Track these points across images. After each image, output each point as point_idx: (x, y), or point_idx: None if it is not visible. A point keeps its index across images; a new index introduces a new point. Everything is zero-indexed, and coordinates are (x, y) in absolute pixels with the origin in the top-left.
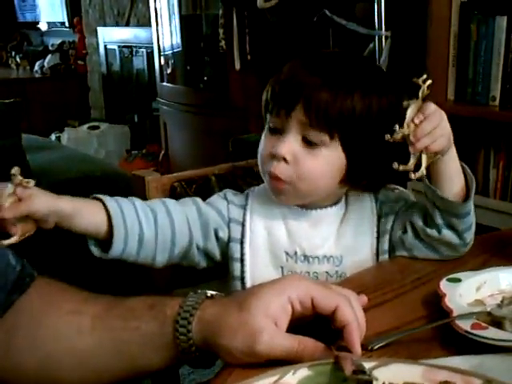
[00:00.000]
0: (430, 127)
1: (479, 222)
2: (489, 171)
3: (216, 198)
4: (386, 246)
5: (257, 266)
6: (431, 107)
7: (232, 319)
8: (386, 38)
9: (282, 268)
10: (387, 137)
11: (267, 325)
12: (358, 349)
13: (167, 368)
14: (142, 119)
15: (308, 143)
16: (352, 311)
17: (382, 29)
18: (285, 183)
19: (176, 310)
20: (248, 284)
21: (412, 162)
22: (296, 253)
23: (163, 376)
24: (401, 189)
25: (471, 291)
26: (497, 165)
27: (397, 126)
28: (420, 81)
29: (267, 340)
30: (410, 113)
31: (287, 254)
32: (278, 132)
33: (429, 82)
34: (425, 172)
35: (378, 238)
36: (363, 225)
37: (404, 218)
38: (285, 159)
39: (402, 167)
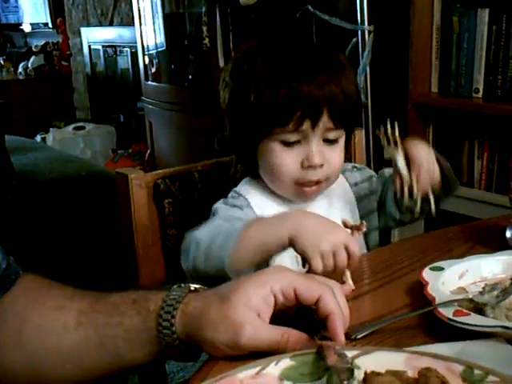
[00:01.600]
0: (428, 175)
1: (464, 212)
2: (473, 162)
3: (227, 209)
4: (374, 223)
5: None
6: (420, 154)
7: (215, 312)
8: (369, 32)
9: (296, 257)
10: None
11: (250, 317)
12: (341, 338)
13: (153, 363)
14: (128, 119)
15: (328, 142)
16: (335, 301)
17: (364, 23)
18: (320, 185)
19: (159, 305)
20: None
21: (419, 204)
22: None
23: (150, 373)
24: (358, 166)
25: (454, 279)
26: (481, 156)
27: (385, 143)
28: (389, 134)
29: (250, 332)
30: (400, 163)
31: None
32: (294, 143)
33: (396, 131)
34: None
35: (362, 217)
36: (346, 209)
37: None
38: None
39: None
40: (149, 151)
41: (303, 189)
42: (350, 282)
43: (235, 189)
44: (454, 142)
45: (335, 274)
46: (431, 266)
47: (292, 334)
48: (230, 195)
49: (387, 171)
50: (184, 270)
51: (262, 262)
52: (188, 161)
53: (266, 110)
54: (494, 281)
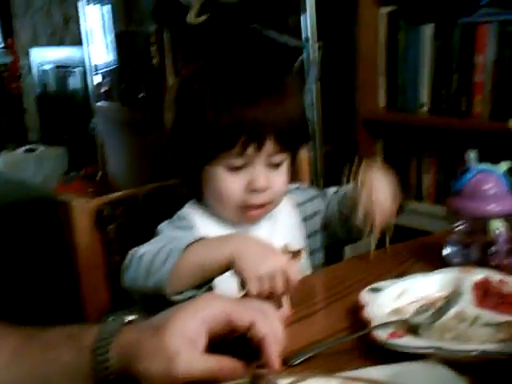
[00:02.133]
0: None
1: (413, 226)
2: (421, 176)
3: (172, 230)
4: (319, 243)
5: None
6: (380, 204)
7: (149, 344)
8: (317, 49)
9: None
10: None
11: (184, 347)
12: (275, 365)
13: None
14: (80, 140)
15: (272, 165)
16: (268, 326)
17: (312, 40)
18: (265, 208)
19: (93, 339)
20: None
21: (373, 245)
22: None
23: None
24: (302, 186)
25: (392, 300)
26: (429, 170)
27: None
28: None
29: (184, 362)
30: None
31: None
32: (238, 167)
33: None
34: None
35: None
36: (290, 230)
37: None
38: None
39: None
40: (101, 172)
41: (248, 212)
42: (287, 306)
43: (180, 211)
44: (403, 156)
45: (272, 298)
46: (370, 287)
47: (227, 363)
48: (174, 217)
49: (331, 191)
50: (124, 288)
51: (202, 283)
52: (141, 182)
53: (210, 134)
54: (431, 300)
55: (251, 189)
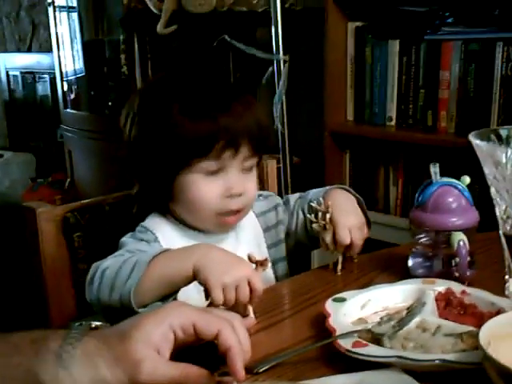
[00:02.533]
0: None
1: (381, 238)
2: (389, 189)
3: (135, 242)
4: (282, 253)
5: (184, 293)
6: (344, 233)
7: (114, 350)
8: (285, 61)
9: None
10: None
11: (149, 354)
12: (240, 373)
13: None
14: (47, 147)
15: (245, 170)
16: (234, 335)
17: (280, 53)
18: (240, 214)
19: (58, 344)
20: None
21: (340, 262)
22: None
23: None
24: (265, 193)
25: (356, 310)
26: (396, 183)
27: (313, 217)
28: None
29: (149, 369)
30: (328, 240)
31: None
32: (214, 172)
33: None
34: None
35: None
36: (253, 240)
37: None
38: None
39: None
40: (68, 180)
41: (224, 219)
42: (252, 315)
43: (143, 223)
44: (370, 169)
45: (237, 307)
46: (334, 297)
47: (191, 371)
48: (137, 229)
49: (292, 199)
50: (88, 301)
51: (168, 294)
52: (108, 190)
53: (185, 142)
54: (394, 310)
55: (228, 194)
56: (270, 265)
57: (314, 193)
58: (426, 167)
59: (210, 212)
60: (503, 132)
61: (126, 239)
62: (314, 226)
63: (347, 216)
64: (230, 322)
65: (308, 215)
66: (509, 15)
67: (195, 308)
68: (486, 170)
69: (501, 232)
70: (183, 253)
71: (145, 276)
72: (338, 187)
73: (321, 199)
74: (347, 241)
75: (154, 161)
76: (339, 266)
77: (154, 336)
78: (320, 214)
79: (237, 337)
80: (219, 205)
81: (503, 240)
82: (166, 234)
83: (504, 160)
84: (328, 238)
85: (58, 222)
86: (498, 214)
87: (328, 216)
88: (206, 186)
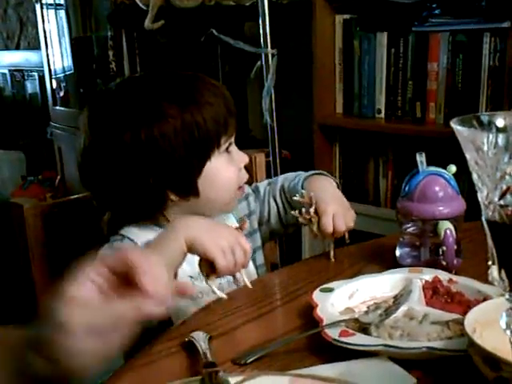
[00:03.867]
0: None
1: (371, 230)
2: (379, 181)
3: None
4: (257, 242)
5: None
6: (328, 223)
7: None
8: (273, 55)
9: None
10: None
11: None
12: (147, 288)
13: None
14: (37, 144)
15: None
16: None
17: (268, 47)
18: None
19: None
20: None
21: (332, 248)
22: (199, 273)
23: None
24: None
25: (343, 300)
26: (386, 175)
27: (297, 213)
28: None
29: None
30: (315, 229)
31: (191, 277)
32: (227, 150)
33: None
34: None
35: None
36: None
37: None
38: None
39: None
40: (59, 177)
41: (239, 191)
42: (247, 281)
43: (120, 233)
44: (360, 162)
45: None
46: (321, 287)
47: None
48: (112, 239)
49: (262, 187)
50: None
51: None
52: None
53: (214, 124)
54: (382, 299)
55: (240, 167)
56: (248, 227)
57: (286, 179)
58: (416, 159)
59: (235, 188)
60: (484, 118)
61: (104, 252)
62: (300, 220)
63: (329, 204)
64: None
65: (292, 212)
66: (495, 6)
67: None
68: (468, 156)
69: (483, 218)
70: (167, 236)
71: None
72: (316, 173)
73: (303, 191)
74: (330, 229)
75: (180, 156)
76: (331, 253)
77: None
78: (303, 209)
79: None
80: (238, 179)
81: (485, 226)
82: (144, 240)
83: (485, 145)
84: (315, 228)
85: (46, 218)
86: (480, 199)
87: (312, 210)
88: (229, 165)
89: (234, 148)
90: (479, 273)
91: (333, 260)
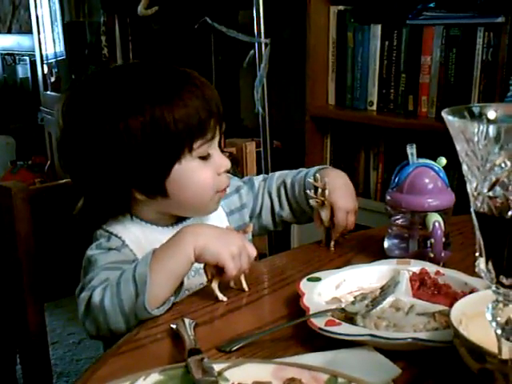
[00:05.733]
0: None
1: (361, 223)
2: (369, 173)
3: (105, 255)
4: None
5: None
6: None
7: None
8: (266, 45)
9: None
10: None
11: None
12: None
13: None
14: (28, 129)
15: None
16: None
17: (261, 36)
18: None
19: None
20: None
21: (332, 244)
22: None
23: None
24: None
25: (330, 289)
26: (376, 167)
27: (312, 193)
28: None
29: None
30: (325, 216)
31: None
32: (206, 155)
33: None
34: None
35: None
36: (220, 225)
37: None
38: None
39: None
40: (49, 162)
41: (219, 194)
42: (245, 284)
43: (105, 227)
44: (351, 154)
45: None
46: (309, 276)
47: None
48: (99, 237)
49: (256, 182)
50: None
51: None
52: None
53: (185, 126)
54: (369, 290)
55: (221, 171)
56: (251, 231)
57: (286, 175)
58: (406, 151)
59: (210, 193)
60: (476, 109)
61: (94, 254)
62: (312, 201)
63: (346, 199)
64: None
65: (308, 191)
66: (490, 1)
67: None
68: (458, 147)
69: (472, 209)
70: (175, 244)
71: (153, 285)
72: (324, 167)
73: (317, 175)
74: (344, 224)
75: (145, 155)
76: (332, 243)
77: None
78: (319, 190)
79: None
80: (214, 185)
81: (474, 217)
82: (131, 236)
83: (475, 136)
84: (324, 215)
85: (34, 202)
86: (469, 191)
87: (327, 193)
88: (205, 169)
89: (215, 152)
90: (467, 265)
91: (332, 249)
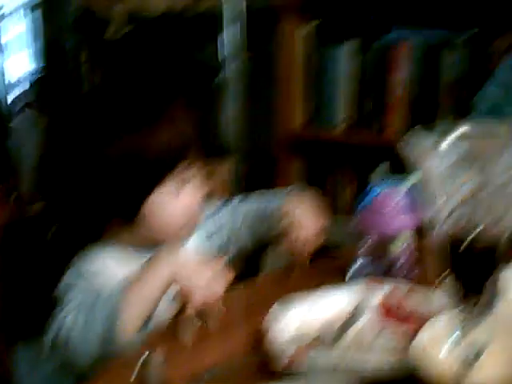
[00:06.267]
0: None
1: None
2: (340, 192)
3: (83, 280)
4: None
5: None
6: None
7: None
8: (237, 64)
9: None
10: None
11: None
12: None
13: None
14: None
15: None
16: None
17: (234, 55)
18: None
19: None
20: None
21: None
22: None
23: None
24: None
25: (300, 315)
26: (347, 186)
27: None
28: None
29: None
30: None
31: None
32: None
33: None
34: None
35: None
36: (200, 246)
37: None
38: None
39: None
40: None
41: (192, 221)
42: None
43: (81, 254)
44: (321, 173)
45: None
46: (278, 303)
47: None
48: (76, 263)
49: (235, 201)
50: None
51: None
52: None
53: (168, 154)
54: (337, 315)
55: (192, 202)
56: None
57: (262, 196)
58: (377, 170)
59: (183, 221)
60: (441, 128)
61: (70, 281)
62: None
63: (309, 225)
64: None
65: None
66: (456, 19)
67: None
68: (423, 167)
69: (436, 230)
70: (150, 270)
71: (127, 313)
72: (294, 189)
73: (282, 204)
74: (303, 253)
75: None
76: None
77: None
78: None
79: None
80: (187, 214)
81: (438, 238)
82: (107, 262)
83: (440, 156)
84: (286, 243)
85: None
86: (433, 211)
87: (289, 222)
88: (176, 199)
89: (191, 183)
90: (434, 284)
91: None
